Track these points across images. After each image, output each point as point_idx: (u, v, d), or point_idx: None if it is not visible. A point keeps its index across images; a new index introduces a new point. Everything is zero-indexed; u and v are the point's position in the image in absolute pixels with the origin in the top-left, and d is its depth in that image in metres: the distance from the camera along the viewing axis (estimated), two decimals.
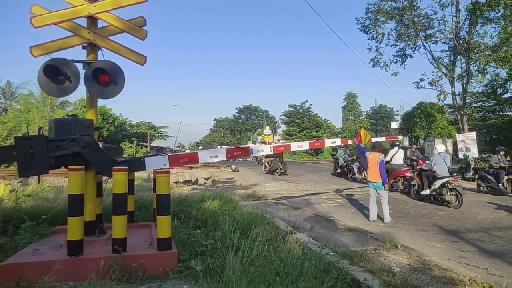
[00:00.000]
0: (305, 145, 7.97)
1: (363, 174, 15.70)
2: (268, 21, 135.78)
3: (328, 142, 9.41)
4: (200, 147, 61.86)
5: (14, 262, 3.84)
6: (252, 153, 6.21)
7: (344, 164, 18.44)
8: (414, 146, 15.85)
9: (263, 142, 27.57)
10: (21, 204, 5.95)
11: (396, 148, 12.96)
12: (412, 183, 11.55)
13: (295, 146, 8.02)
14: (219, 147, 30.50)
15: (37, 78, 4.56)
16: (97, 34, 4.92)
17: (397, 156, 12.81)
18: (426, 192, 10.39)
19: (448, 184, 9.86)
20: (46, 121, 23.21)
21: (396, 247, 5.63)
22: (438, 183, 10.01)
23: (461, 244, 6.24)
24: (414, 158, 14.90)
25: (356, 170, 16.69)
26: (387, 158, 12.70)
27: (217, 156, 5.62)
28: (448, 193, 9.88)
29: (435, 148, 11.22)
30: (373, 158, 8.10)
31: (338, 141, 9.67)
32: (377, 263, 4.79)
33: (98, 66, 4.63)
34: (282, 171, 18.77)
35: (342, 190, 13.10)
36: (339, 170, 19.09)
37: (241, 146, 6.11)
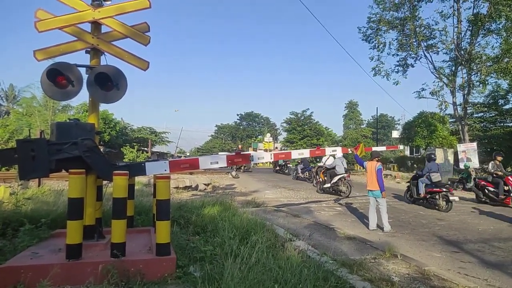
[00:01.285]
0: (305, 153, 8.05)
1: (305, 174, 20.11)
2: (271, 30, 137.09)
3: (329, 151, 9.61)
4: (188, 154, 61.90)
5: (12, 265, 3.83)
6: (253, 160, 6.25)
7: (283, 163, 24.57)
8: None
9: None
10: (21, 207, 5.95)
11: (327, 156, 16.00)
12: (319, 179, 15.28)
13: (296, 153, 8.03)
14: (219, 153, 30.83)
15: (40, 82, 4.59)
16: (101, 39, 4.96)
17: (328, 161, 15.58)
18: (328, 185, 13.91)
19: (343, 179, 13.67)
20: (48, 125, 23.27)
21: (395, 256, 5.61)
22: (336, 178, 13.73)
23: (461, 255, 6.21)
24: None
25: (300, 170, 20.62)
26: (320, 164, 16.97)
27: (217, 163, 5.68)
28: (342, 185, 13.86)
29: (335, 151, 12.00)
30: (371, 167, 8.13)
31: (338, 150, 9.88)
32: (376, 272, 4.78)
33: (101, 71, 4.66)
34: (246, 168, 24.94)
35: (342, 199, 13.07)
36: (278, 168, 25.41)
37: (241, 153, 6.12)
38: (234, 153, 5.98)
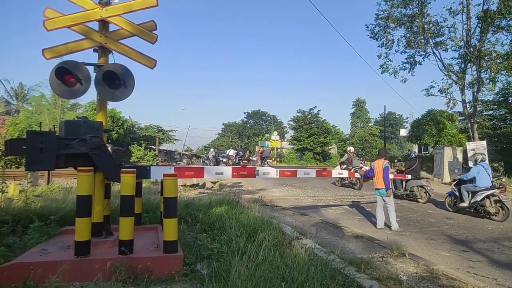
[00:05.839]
0: (311, 172, 8.27)
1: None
2: (278, 30, 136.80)
3: (335, 173, 10.24)
4: (195, 151, 61.51)
5: (22, 261, 3.87)
6: (258, 175, 6.50)
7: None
8: None
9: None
10: (30, 204, 6.01)
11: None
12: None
13: (302, 172, 8.23)
14: (227, 151, 31.08)
15: (49, 80, 4.63)
16: (108, 38, 4.98)
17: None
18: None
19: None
20: (57, 123, 23.52)
21: (403, 255, 5.58)
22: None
23: (470, 254, 6.15)
24: None
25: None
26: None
27: (222, 173, 6.02)
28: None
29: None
30: (378, 165, 8.09)
31: (345, 173, 10.89)
32: (384, 271, 4.75)
33: (109, 69, 4.68)
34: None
35: (349, 197, 13.02)
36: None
37: (247, 167, 6.31)
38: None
